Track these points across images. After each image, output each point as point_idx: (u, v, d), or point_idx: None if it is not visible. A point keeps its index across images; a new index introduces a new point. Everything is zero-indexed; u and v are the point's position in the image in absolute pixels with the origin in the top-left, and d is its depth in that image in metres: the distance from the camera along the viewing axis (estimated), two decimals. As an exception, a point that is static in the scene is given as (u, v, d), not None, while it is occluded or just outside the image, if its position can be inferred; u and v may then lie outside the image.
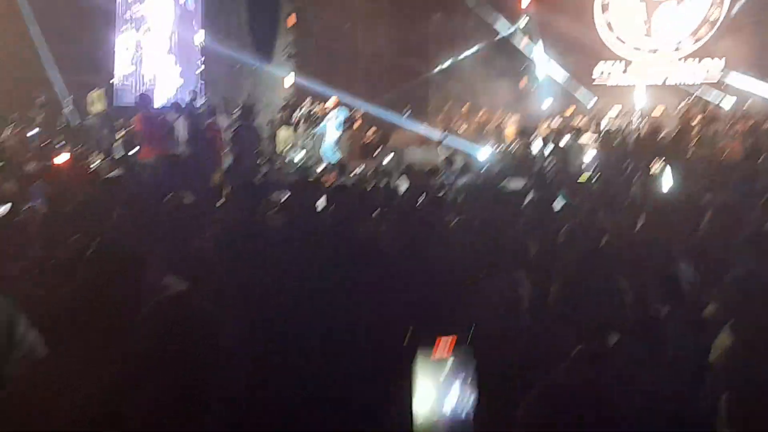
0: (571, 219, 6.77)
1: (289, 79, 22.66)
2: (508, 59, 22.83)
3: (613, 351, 2.76)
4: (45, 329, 3.48)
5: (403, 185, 10.89)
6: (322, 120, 18.79)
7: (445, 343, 1.31)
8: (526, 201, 8.72)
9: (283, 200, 8.82)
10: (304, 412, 3.24)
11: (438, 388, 1.28)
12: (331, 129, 17.76)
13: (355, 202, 6.16)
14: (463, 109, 22.44)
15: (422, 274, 4.64)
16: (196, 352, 1.76)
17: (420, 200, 8.34)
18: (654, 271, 4.06)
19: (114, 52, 24.71)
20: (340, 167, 13.63)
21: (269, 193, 8.86)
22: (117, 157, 12.80)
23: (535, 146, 15.29)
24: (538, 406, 1.55)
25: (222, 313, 1.89)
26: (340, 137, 18.06)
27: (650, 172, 8.71)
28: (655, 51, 22.97)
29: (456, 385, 1.29)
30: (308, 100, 20.72)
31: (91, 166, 11.76)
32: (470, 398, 1.27)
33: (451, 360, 1.29)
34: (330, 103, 18.74)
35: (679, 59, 22.63)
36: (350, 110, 21.22)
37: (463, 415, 1.28)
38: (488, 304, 4.07)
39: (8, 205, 7.10)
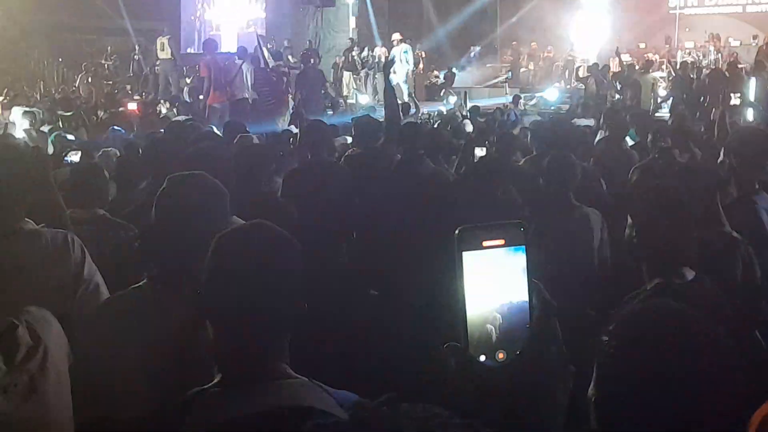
0: (644, 156, 6.59)
1: (353, 21, 22.45)
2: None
3: (690, 286, 2.71)
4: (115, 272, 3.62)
5: (468, 126, 10.78)
6: (385, 62, 18.58)
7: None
8: (597, 138, 8.53)
9: (350, 142, 8.85)
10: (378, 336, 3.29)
11: (492, 281, 1.17)
12: (400, 66, 17.52)
13: (423, 141, 6.08)
14: (532, 46, 21.92)
15: (489, 214, 4.58)
16: (271, 283, 1.75)
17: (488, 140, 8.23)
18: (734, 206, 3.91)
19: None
20: (405, 107, 13.53)
21: (336, 134, 8.87)
22: (185, 102, 12.97)
23: (606, 82, 14.86)
24: (623, 329, 1.49)
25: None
26: (406, 73, 17.83)
27: (730, 104, 8.34)
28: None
29: (514, 276, 1.18)
30: (371, 45, 20.50)
31: (161, 112, 11.99)
32: (530, 291, 1.20)
33: (505, 248, 1.18)
34: (395, 38, 18.47)
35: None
36: (415, 49, 20.99)
37: (524, 310, 1.19)
38: (560, 242, 4.02)
39: (80, 152, 7.31)
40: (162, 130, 7.57)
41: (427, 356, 3.19)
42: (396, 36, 18.39)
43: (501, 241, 1.19)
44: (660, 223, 2.81)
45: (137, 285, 2.42)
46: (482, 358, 1.18)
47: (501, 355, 1.18)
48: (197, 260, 1.99)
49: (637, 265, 2.95)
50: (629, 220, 3.23)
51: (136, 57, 18.92)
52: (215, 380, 1.73)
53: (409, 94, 17.13)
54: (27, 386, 2.02)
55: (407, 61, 17.50)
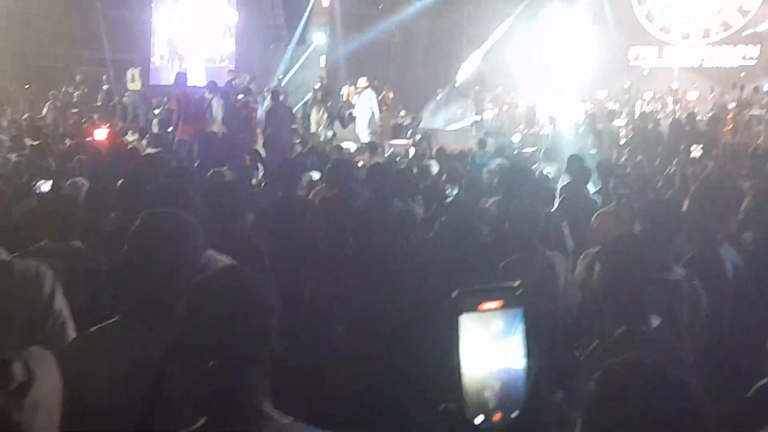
0: (606, 203, 6.77)
1: (323, 60, 22.70)
2: (539, 42, 22.62)
3: (657, 331, 2.80)
4: (86, 305, 3.60)
5: (434, 167, 10.92)
6: (352, 102, 18.78)
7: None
8: (560, 185, 8.73)
9: (318, 179, 8.92)
10: (349, 371, 3.34)
11: (489, 343, 1.17)
12: (363, 110, 17.77)
13: (389, 181, 6.20)
14: (496, 91, 22.33)
15: (458, 256, 4.68)
16: (250, 326, 1.80)
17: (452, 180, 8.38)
18: (698, 258, 4.08)
19: (151, 30, 24.94)
20: (371, 147, 13.67)
21: (304, 171, 8.94)
22: (154, 134, 12.95)
23: (568, 129, 15.19)
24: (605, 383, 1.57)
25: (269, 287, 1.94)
26: (371, 118, 18.06)
27: (689, 156, 8.62)
28: (688, 36, 22.66)
29: (511, 339, 1.19)
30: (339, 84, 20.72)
31: (129, 143, 11.95)
32: (527, 353, 1.21)
33: (502, 311, 1.19)
34: (360, 85, 18.72)
35: (713, 44, 22.31)
36: (382, 91, 21.25)
37: (521, 372, 1.19)
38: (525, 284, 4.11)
39: (50, 182, 7.26)
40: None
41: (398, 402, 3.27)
42: (362, 81, 18.65)
43: (498, 303, 1.19)
44: (628, 271, 2.88)
45: (110, 321, 2.39)
46: (478, 419, 1.17)
47: (497, 417, 1.17)
48: (170, 296, 2.04)
49: (600, 310, 3.04)
50: (596, 267, 3.34)
51: (104, 87, 18.86)
52: (198, 424, 1.75)
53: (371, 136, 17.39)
54: (21, 424, 2.03)
55: (371, 108, 17.70)
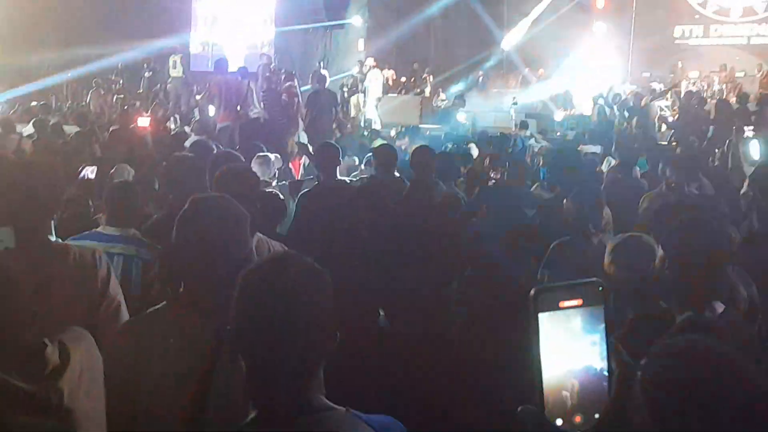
0: (653, 186, 6.64)
1: (362, 44, 22.60)
2: (583, 21, 22.24)
3: (722, 318, 2.73)
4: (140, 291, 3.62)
5: (474, 150, 10.85)
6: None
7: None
8: (606, 166, 8.59)
9: (359, 163, 8.91)
10: (401, 365, 3.31)
11: (568, 341, 1.13)
12: (373, 90, 17.62)
13: (433, 164, 6.13)
14: (539, 72, 22.03)
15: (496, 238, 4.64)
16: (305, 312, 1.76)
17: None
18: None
19: (192, 17, 25.12)
20: (412, 131, 13.61)
21: (341, 153, 8.92)
22: (196, 120, 13.04)
23: (613, 110, 14.95)
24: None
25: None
26: (380, 99, 17.96)
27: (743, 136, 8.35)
28: (730, 12, 22.09)
29: (591, 338, 1.14)
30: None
31: (172, 129, 12.05)
32: (608, 352, 1.15)
33: (582, 308, 1.14)
34: (369, 64, 18.62)
35: (760, 21, 21.71)
36: (422, 74, 21.13)
37: (602, 373, 1.15)
38: (579, 269, 4.06)
39: (95, 168, 7.35)
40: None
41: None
42: (370, 61, 18.53)
43: (578, 302, 1.15)
44: (694, 257, 2.80)
45: (158, 306, 2.40)
46: (559, 422, 1.14)
47: (578, 419, 1.14)
48: (220, 282, 2.02)
49: (665, 297, 2.96)
50: (659, 251, 3.25)
51: (146, 74, 19.03)
52: (250, 417, 1.71)
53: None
54: (59, 405, 2.02)
55: (377, 88, 17.51)
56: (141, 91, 18.73)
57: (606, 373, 1.16)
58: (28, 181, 2.81)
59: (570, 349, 1.14)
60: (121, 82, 18.41)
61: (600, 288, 1.17)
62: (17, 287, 2.09)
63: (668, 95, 17.78)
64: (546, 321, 1.13)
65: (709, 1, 22.46)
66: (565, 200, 4.56)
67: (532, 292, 1.14)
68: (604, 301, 1.16)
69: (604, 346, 1.16)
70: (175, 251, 2.43)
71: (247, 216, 2.45)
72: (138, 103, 17.06)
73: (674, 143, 11.93)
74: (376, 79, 17.86)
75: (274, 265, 1.82)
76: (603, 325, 1.16)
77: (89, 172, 6.82)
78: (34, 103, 14.37)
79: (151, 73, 18.97)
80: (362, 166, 8.70)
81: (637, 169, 7.80)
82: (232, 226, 2.37)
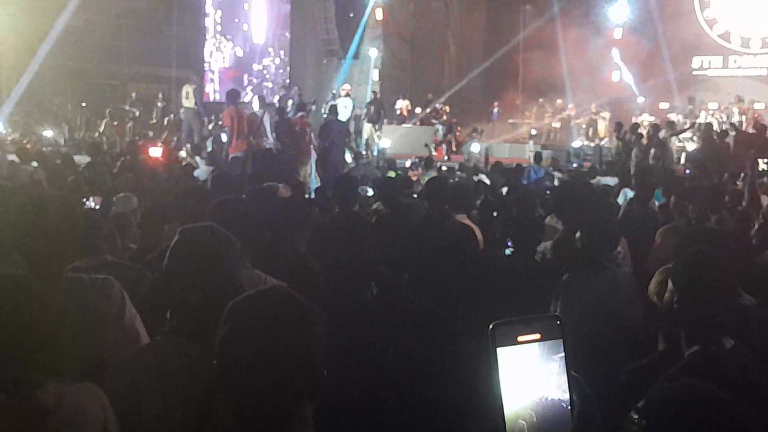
0: (671, 219, 6.48)
1: (376, 74, 22.70)
2: (599, 53, 22.23)
3: (730, 353, 2.66)
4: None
5: (486, 180, 10.76)
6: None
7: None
8: (622, 198, 8.44)
9: (372, 194, 8.81)
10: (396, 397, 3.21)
11: (527, 374, 1.16)
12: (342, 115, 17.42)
13: (447, 196, 6.02)
14: (556, 104, 21.99)
15: (514, 269, 4.52)
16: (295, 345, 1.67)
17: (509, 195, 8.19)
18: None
19: (205, 48, 25.43)
20: (427, 162, 13.53)
21: (358, 185, 8.83)
22: (208, 151, 13.03)
23: (630, 141, 14.78)
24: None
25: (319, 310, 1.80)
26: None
27: (758, 169, 8.23)
28: (749, 43, 22.01)
29: (550, 370, 1.18)
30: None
31: (183, 159, 12.04)
32: (569, 384, 1.18)
33: (543, 341, 1.17)
34: (343, 91, 18.57)
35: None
36: (434, 104, 21.13)
37: (562, 404, 1.17)
38: (592, 302, 3.93)
39: (100, 198, 7.27)
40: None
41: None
42: (346, 87, 18.49)
43: (537, 336, 1.18)
44: (702, 291, 2.77)
45: (156, 339, 2.41)
46: None
47: None
48: (212, 313, 1.93)
49: (674, 331, 2.89)
50: (669, 285, 3.14)
51: (159, 104, 19.14)
52: None
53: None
54: None
55: (348, 113, 17.34)
56: (154, 120, 18.81)
57: (566, 405, 1.18)
58: (42, 214, 2.79)
59: (529, 381, 1.17)
60: (135, 112, 18.49)
61: (557, 322, 1.20)
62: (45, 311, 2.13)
63: (688, 131, 17.62)
64: (504, 355, 1.17)
65: (731, 32, 22.38)
66: (577, 233, 4.43)
67: (490, 326, 1.18)
68: (563, 334, 1.20)
69: (564, 378, 1.19)
70: (166, 281, 2.41)
71: (237, 244, 2.42)
72: (151, 133, 17.11)
73: (693, 175, 11.76)
74: (344, 107, 17.58)
75: (260, 298, 1.75)
76: (562, 357, 1.19)
77: (93, 202, 6.73)
78: (46, 133, 14.42)
79: (164, 103, 19.08)
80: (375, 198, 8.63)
81: (655, 201, 7.65)
82: (222, 255, 2.35)
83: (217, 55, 24.48)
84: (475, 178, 11.23)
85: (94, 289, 2.84)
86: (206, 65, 24.76)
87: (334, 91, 20.96)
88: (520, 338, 1.18)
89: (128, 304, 2.88)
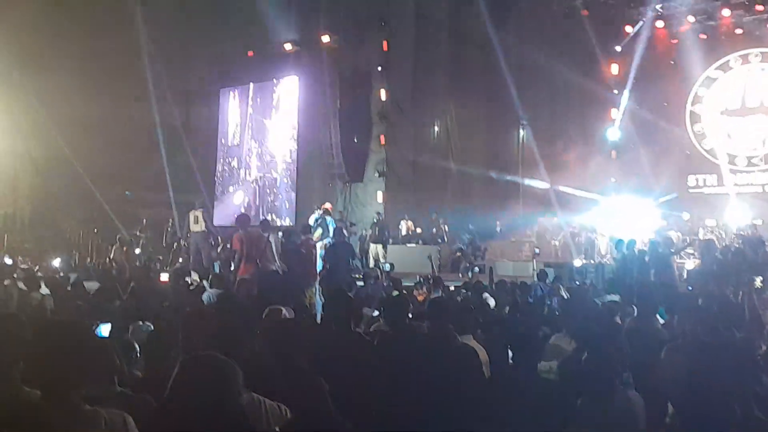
0: (674, 337, 6.51)
1: (381, 196, 23.17)
2: (600, 171, 22.75)
3: None
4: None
5: (490, 300, 10.81)
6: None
7: None
8: (626, 317, 8.47)
9: (376, 315, 8.87)
10: None
11: None
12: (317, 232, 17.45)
13: (450, 316, 6.10)
14: (554, 221, 22.30)
15: (517, 392, 4.53)
16: None
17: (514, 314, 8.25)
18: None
19: (214, 172, 26.09)
20: (434, 281, 13.62)
21: (362, 306, 8.92)
22: (215, 274, 13.17)
23: (630, 258, 14.92)
24: None
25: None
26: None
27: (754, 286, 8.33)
28: (751, 159, 22.52)
29: None
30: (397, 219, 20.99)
31: (191, 284, 12.17)
32: None
33: None
34: (323, 208, 18.72)
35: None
36: (439, 223, 21.42)
37: None
38: (603, 425, 3.94)
39: (109, 325, 7.34)
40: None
41: None
42: (327, 205, 18.68)
43: None
44: (700, 409, 2.79)
45: None
46: None
47: None
48: None
49: None
50: (670, 408, 3.18)
51: (169, 229, 19.46)
52: None
53: None
54: None
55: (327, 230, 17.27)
56: (164, 245, 19.09)
57: None
58: (54, 343, 2.84)
59: None
60: (145, 237, 18.80)
61: None
62: None
63: (687, 247, 17.80)
64: None
65: (717, 149, 22.97)
66: (584, 355, 4.44)
67: None
68: None
69: None
70: (168, 411, 2.46)
71: (237, 372, 2.48)
72: (161, 258, 17.32)
73: (695, 292, 11.83)
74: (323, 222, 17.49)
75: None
76: None
77: (104, 330, 6.81)
78: (54, 263, 14.65)
79: (173, 228, 19.41)
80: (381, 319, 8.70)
81: (658, 318, 7.68)
82: (221, 383, 2.40)
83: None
84: (482, 297, 11.29)
85: (113, 425, 2.86)
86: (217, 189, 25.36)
87: (339, 212, 21.36)
88: None
89: None
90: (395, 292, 11.70)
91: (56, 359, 2.79)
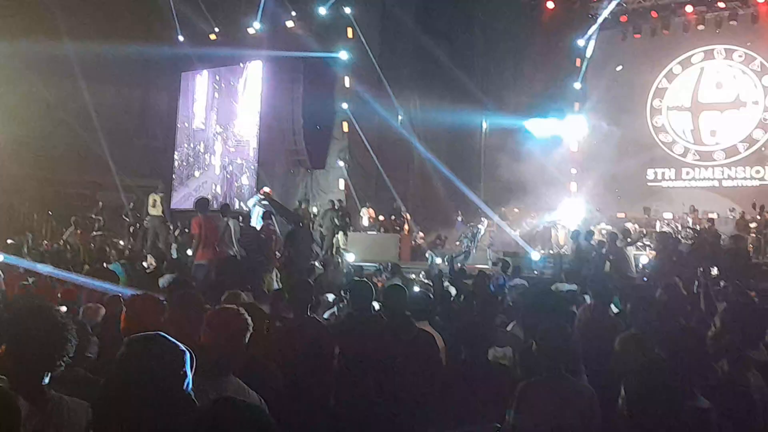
0: (628, 327, 6.58)
1: (342, 183, 23.11)
2: (560, 162, 22.94)
3: None
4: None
5: (452, 289, 10.86)
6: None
7: None
8: (580, 305, 8.56)
9: (334, 300, 8.86)
10: None
11: None
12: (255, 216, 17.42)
13: (406, 304, 6.09)
14: (515, 211, 22.47)
15: (475, 377, 4.55)
16: None
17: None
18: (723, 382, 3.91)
19: (174, 156, 25.77)
20: (393, 269, 13.64)
21: (322, 293, 8.91)
22: (171, 258, 13.03)
23: (587, 249, 15.10)
24: None
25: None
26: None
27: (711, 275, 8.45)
28: (709, 154, 22.89)
29: None
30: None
31: (148, 267, 12.01)
32: None
33: None
34: (262, 192, 18.67)
35: (731, 164, 22.47)
36: (401, 212, 21.42)
37: None
38: (551, 411, 3.97)
39: (64, 308, 7.24)
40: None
41: None
42: (266, 189, 18.61)
43: None
44: (652, 398, 2.79)
45: None
46: None
47: None
48: (159, 425, 1.94)
49: None
50: (622, 392, 3.20)
51: (129, 212, 19.19)
52: None
53: None
54: None
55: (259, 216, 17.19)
56: (125, 227, 18.85)
57: None
58: (20, 327, 2.83)
59: None
60: (101, 220, 18.50)
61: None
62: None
63: (644, 238, 18.06)
64: None
65: (676, 143, 23.32)
66: (533, 343, 4.48)
67: None
68: None
69: None
70: (109, 395, 2.38)
71: (184, 353, 2.40)
72: (117, 241, 17.08)
73: (650, 283, 11.99)
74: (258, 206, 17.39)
75: (215, 411, 1.82)
76: None
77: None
78: (10, 241, 14.35)
79: (131, 211, 19.15)
80: (340, 304, 8.68)
81: (613, 308, 7.76)
82: (168, 365, 2.33)
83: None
84: (443, 285, 11.34)
85: (75, 411, 2.87)
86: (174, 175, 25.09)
87: (300, 201, 21.25)
88: None
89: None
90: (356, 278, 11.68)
91: (24, 343, 2.76)
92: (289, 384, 4.39)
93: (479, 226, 19.35)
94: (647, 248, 17.61)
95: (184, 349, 2.40)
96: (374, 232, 21.29)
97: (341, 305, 8.61)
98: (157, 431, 1.94)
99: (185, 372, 2.36)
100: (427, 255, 19.05)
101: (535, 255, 18.06)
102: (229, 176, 25.27)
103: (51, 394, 2.83)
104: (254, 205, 16.05)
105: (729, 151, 22.50)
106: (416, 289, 9.93)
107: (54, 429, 2.72)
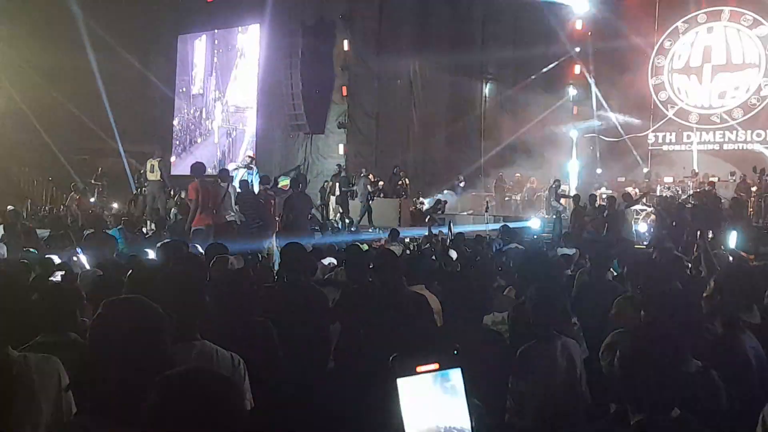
0: (625, 290, 6.57)
1: (342, 148, 22.99)
2: (560, 128, 22.80)
3: (676, 422, 2.65)
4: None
5: (453, 254, 10.83)
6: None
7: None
8: (579, 269, 8.55)
9: (334, 264, 8.85)
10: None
11: (430, 404, 1.23)
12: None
13: (400, 268, 6.07)
14: (516, 177, 22.42)
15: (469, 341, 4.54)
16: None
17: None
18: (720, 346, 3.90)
19: (173, 122, 25.66)
20: (392, 233, 13.62)
21: (320, 257, 8.88)
22: (171, 224, 13.01)
23: (587, 212, 15.07)
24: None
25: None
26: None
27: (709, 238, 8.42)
28: (709, 116, 22.72)
29: (452, 399, 1.25)
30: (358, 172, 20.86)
31: (147, 233, 12.00)
32: (470, 412, 1.25)
33: (440, 372, 1.25)
34: (247, 157, 18.53)
35: (732, 128, 22.31)
36: (400, 177, 21.36)
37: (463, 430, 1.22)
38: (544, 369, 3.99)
39: (61, 273, 7.22)
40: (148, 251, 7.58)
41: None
42: (250, 153, 18.49)
43: (435, 366, 1.25)
44: (646, 360, 2.78)
45: (73, 418, 2.41)
46: None
47: None
48: (134, 390, 1.94)
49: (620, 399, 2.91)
50: (617, 353, 3.19)
51: (137, 177, 19.15)
52: None
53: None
54: None
55: (251, 181, 17.09)
56: (133, 192, 18.84)
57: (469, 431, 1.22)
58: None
59: (431, 410, 1.21)
60: (100, 185, 18.48)
61: (455, 352, 1.29)
62: None
63: (644, 200, 18.01)
64: (405, 385, 1.22)
65: (676, 104, 23.13)
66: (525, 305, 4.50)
67: (390, 358, 1.23)
68: (462, 363, 1.26)
69: (465, 407, 1.24)
70: (89, 357, 2.36)
71: (164, 317, 2.37)
72: (115, 206, 17.06)
73: (651, 248, 11.98)
74: (247, 173, 17.24)
75: (188, 376, 1.82)
76: (462, 387, 1.25)
77: (58, 276, 6.68)
78: (10, 207, 14.33)
79: (130, 177, 19.13)
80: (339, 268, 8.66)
81: (611, 271, 7.75)
82: (146, 328, 2.30)
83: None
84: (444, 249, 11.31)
85: (40, 369, 2.89)
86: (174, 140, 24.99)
87: (299, 165, 21.18)
88: (419, 368, 1.23)
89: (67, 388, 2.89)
90: (364, 246, 11.67)
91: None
92: (284, 343, 4.40)
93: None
94: (647, 211, 17.56)
95: (163, 312, 2.37)
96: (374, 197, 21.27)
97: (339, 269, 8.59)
98: (133, 394, 1.92)
99: (163, 335, 2.33)
100: (426, 220, 19.03)
101: (535, 221, 18.05)
102: (229, 141, 25.19)
103: (14, 356, 2.84)
104: (236, 168, 16.07)
105: (731, 114, 22.32)
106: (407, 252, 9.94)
107: (22, 389, 2.74)
